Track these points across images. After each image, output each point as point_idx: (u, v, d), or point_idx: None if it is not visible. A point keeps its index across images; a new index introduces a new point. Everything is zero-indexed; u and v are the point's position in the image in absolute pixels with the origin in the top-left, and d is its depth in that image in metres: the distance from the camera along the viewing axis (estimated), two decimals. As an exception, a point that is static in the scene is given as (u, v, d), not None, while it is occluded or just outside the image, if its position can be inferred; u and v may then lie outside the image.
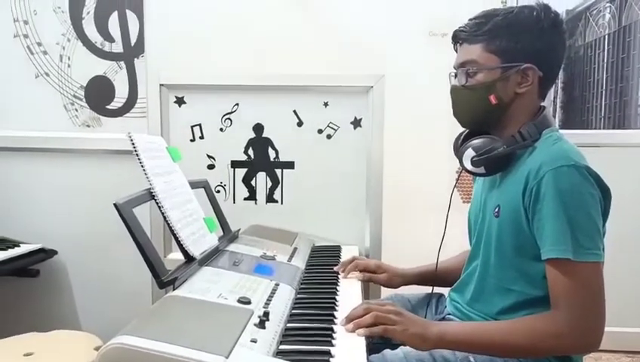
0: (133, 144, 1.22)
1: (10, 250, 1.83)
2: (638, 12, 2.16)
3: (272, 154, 1.94)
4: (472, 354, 1.09)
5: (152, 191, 1.21)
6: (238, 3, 1.99)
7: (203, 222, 1.38)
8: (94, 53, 2.09)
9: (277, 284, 1.21)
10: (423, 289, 1.44)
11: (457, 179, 1.96)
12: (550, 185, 1.01)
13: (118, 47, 2.08)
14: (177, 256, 1.32)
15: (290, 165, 1.94)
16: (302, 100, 1.91)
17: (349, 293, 1.28)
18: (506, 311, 1.13)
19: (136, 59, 2.08)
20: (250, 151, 1.94)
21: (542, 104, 1.19)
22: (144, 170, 1.22)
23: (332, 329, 1.03)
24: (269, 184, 1.95)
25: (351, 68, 1.96)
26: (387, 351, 1.12)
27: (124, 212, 1.08)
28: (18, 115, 2.08)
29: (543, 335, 1.01)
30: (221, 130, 1.93)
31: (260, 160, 1.94)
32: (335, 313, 1.12)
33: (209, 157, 1.94)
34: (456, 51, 1.22)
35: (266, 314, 0.99)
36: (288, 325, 1.06)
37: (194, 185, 1.46)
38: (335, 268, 1.46)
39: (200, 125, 1.93)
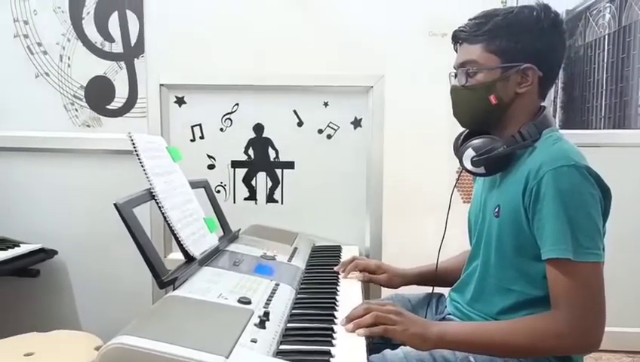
0: (133, 144, 1.22)
1: (10, 250, 1.83)
2: (638, 12, 2.16)
3: (272, 154, 1.94)
4: (472, 354, 1.09)
5: (152, 191, 1.21)
6: (238, 3, 1.99)
7: (203, 222, 1.38)
8: (94, 53, 2.09)
9: (277, 284, 1.21)
10: (423, 289, 1.44)
11: (457, 179, 1.96)
12: (550, 185, 1.01)
13: (118, 47, 2.08)
14: (177, 256, 1.32)
15: (290, 165, 1.94)
16: (302, 100, 1.91)
17: (349, 293, 1.28)
18: (506, 311, 1.13)
19: (136, 59, 2.08)
20: (251, 151, 1.94)
21: (542, 104, 1.19)
22: (144, 170, 1.22)
23: (332, 329, 1.03)
24: (269, 184, 1.95)
25: (351, 68, 1.96)
26: (387, 351, 1.12)
27: (124, 212, 1.08)
28: (18, 115, 2.08)
29: (544, 335, 1.01)
30: (221, 130, 1.93)
31: (260, 160, 1.94)
32: (335, 313, 1.12)
33: (209, 157, 1.94)
34: (456, 51, 1.22)
35: (266, 314, 0.99)
36: (288, 325, 1.05)
37: (194, 185, 1.46)
38: (335, 268, 1.46)
39: (200, 125, 1.93)
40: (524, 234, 1.08)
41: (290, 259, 1.48)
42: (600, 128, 2.27)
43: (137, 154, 1.22)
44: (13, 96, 2.09)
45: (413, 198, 2.07)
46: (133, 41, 2.07)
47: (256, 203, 1.95)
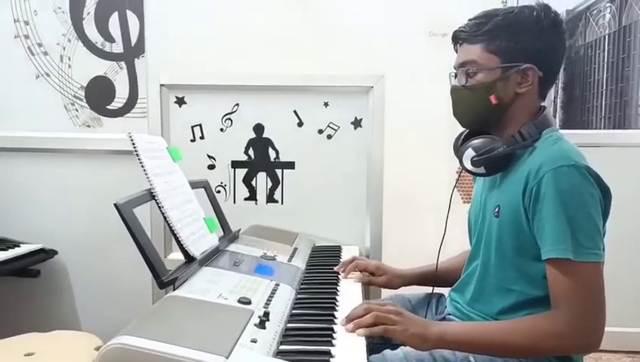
0: (133, 144, 1.22)
1: (10, 250, 1.83)
2: (638, 12, 2.16)
3: (272, 154, 1.94)
4: (472, 354, 1.09)
5: (152, 191, 1.21)
6: (238, 3, 1.99)
7: (203, 222, 1.38)
8: (95, 54, 2.09)
9: (277, 284, 1.21)
10: (423, 289, 1.44)
11: (457, 179, 1.96)
12: (550, 185, 1.01)
13: (118, 48, 2.08)
14: (177, 256, 1.32)
15: (290, 165, 1.94)
16: (302, 100, 1.91)
17: (349, 293, 1.28)
18: (506, 311, 1.13)
19: (136, 59, 2.08)
20: (251, 152, 1.94)
21: (542, 104, 1.19)
22: (144, 170, 1.22)
23: (332, 330, 1.03)
24: (270, 184, 1.95)
25: (351, 68, 1.96)
26: (387, 351, 1.12)
27: (124, 212, 1.08)
28: (19, 115, 2.08)
29: (544, 335, 1.01)
30: (221, 130, 1.93)
31: (261, 160, 1.94)
32: (335, 313, 1.12)
33: (209, 157, 1.94)
34: (456, 51, 1.22)
35: (266, 315, 1.00)
36: (288, 325, 1.06)
37: (194, 185, 1.46)
38: (335, 268, 1.46)
39: (200, 125, 1.93)
40: (524, 234, 1.08)
41: (290, 259, 1.48)
42: (600, 128, 2.27)
43: (137, 155, 1.22)
44: (13, 97, 2.08)
45: (413, 198, 2.07)
46: (133, 41, 2.07)
47: (256, 203, 1.95)
